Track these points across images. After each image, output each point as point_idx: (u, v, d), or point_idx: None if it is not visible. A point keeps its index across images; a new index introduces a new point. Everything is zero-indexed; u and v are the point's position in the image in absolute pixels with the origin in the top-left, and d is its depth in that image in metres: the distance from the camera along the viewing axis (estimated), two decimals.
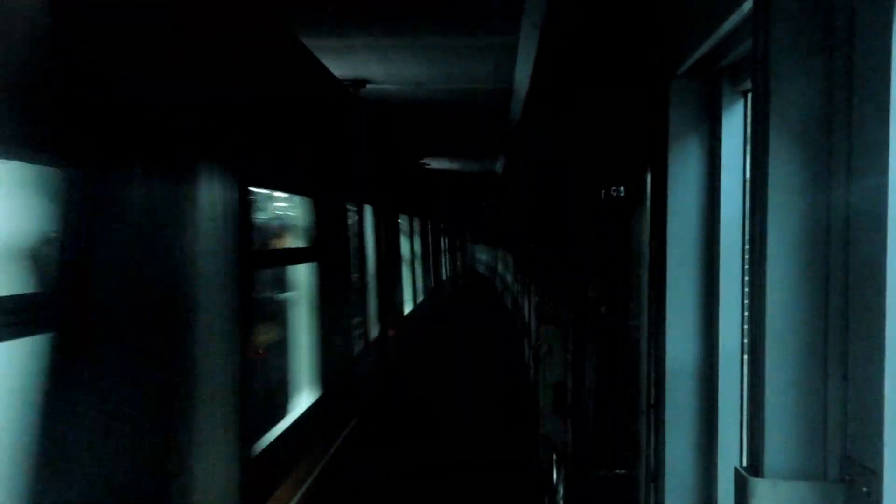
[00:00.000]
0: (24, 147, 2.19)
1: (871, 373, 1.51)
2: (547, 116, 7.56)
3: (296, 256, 5.45)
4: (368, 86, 9.79)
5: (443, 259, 15.12)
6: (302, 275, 5.47)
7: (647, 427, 2.90)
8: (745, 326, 2.51)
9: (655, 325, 2.85)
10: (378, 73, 9.32)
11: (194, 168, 3.28)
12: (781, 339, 1.70)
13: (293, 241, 5.58)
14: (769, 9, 1.71)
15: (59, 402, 2.27)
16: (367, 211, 8.54)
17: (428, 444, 8.38)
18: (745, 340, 2.50)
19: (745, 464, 1.80)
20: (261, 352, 5.01)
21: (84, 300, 2.42)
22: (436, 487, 6.98)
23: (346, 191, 7.22)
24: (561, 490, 5.57)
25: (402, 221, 10.90)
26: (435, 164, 18.37)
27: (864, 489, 1.52)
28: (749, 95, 2.49)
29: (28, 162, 2.23)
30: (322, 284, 5.59)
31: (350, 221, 7.29)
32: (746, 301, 2.52)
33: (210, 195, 3.40)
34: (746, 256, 2.51)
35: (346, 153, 7.47)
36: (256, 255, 4.60)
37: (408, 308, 12.73)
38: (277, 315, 5.36)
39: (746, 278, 2.52)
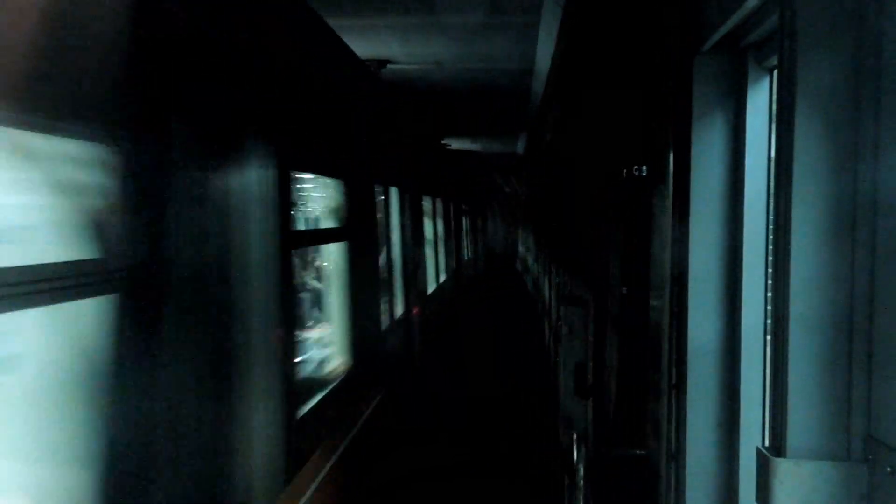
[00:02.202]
0: None
1: None
2: (568, 95, 7.50)
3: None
4: (389, 66, 9.77)
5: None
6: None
7: (669, 407, 2.90)
8: (768, 306, 2.50)
9: (677, 305, 2.83)
10: (399, 53, 9.29)
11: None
12: (805, 319, 1.69)
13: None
14: None
15: None
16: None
17: None
18: (768, 320, 2.48)
19: (767, 444, 1.79)
20: None
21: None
22: None
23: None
24: (581, 469, 5.59)
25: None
26: (456, 144, 18.34)
27: (888, 469, 1.51)
28: (775, 72, 2.45)
29: None
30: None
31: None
32: (769, 281, 2.50)
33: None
34: (770, 236, 2.48)
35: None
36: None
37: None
38: None
39: (770, 258, 2.50)
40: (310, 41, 4.55)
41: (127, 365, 2.19)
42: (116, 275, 2.15)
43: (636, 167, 3.66)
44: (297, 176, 4.33)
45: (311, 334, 5.08)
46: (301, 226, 4.85)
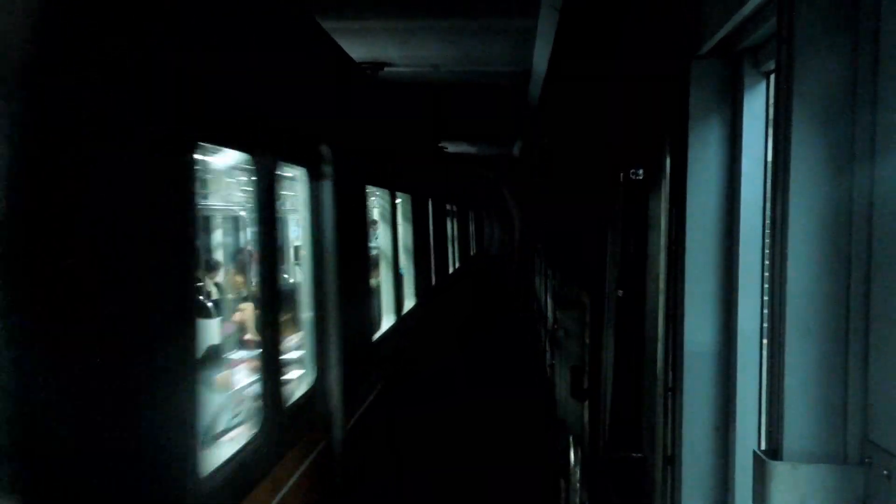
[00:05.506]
0: None
1: (893, 356, 1.50)
2: (565, 98, 7.51)
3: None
4: (387, 69, 9.76)
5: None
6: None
7: (665, 410, 2.90)
8: (765, 310, 2.50)
9: (673, 309, 2.83)
10: (396, 56, 9.29)
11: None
12: (802, 323, 1.69)
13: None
14: None
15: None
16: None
17: None
18: (765, 324, 2.49)
19: (763, 447, 1.79)
20: None
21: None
22: None
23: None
24: (577, 472, 5.59)
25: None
26: (453, 147, 18.34)
27: (885, 472, 1.51)
28: (771, 76, 2.46)
29: None
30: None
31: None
32: (766, 285, 2.50)
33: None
34: (766, 240, 2.49)
35: None
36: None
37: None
38: None
39: (766, 261, 2.50)
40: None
41: None
42: None
43: (633, 170, 3.66)
44: None
45: None
46: None
